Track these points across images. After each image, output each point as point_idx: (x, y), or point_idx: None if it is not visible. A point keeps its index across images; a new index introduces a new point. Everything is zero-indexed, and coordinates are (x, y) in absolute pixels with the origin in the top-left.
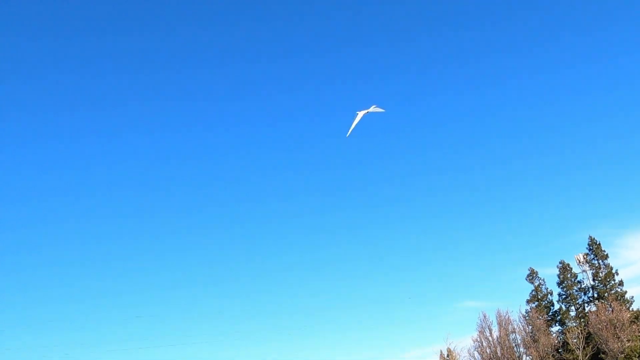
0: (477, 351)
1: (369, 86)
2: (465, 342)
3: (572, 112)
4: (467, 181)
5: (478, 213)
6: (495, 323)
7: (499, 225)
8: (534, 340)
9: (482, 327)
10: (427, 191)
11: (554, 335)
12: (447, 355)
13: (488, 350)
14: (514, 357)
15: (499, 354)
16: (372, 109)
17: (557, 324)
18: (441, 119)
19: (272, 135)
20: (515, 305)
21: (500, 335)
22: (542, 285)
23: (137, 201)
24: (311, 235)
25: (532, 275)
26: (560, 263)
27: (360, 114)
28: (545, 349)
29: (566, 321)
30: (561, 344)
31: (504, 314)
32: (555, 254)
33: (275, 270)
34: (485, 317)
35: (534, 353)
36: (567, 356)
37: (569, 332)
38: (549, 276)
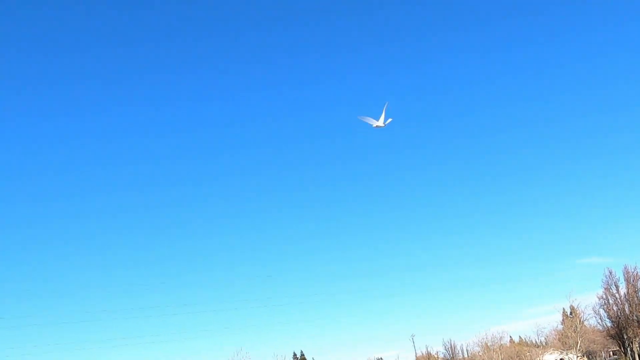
0: (603, 309)
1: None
2: (589, 300)
3: None
4: (591, 130)
5: (600, 166)
6: (622, 280)
7: (623, 178)
8: None
9: (607, 284)
10: (551, 141)
11: None
12: (570, 313)
13: (615, 308)
14: None
15: (627, 312)
16: (384, 118)
17: None
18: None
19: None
20: None
21: (628, 292)
22: None
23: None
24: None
25: None
26: None
27: (374, 122)
28: None
29: None
30: None
31: (632, 270)
32: None
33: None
34: (611, 273)
35: None
36: None
37: None
38: None
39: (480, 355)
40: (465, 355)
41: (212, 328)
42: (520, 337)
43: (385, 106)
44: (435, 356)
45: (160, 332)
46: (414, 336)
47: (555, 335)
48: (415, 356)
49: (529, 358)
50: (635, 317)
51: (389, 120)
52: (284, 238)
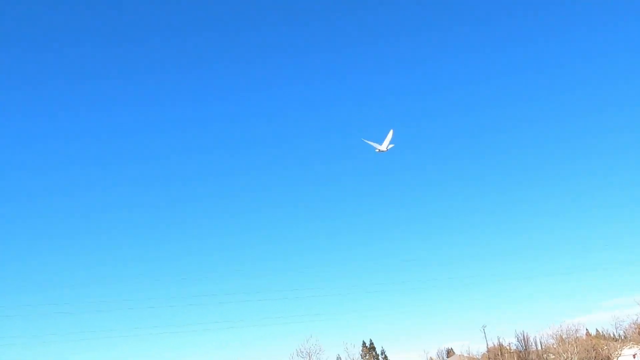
0: None
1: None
2: None
3: None
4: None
5: None
6: None
7: None
8: None
9: None
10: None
11: None
12: None
13: None
14: None
15: None
16: (387, 143)
17: None
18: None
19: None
20: None
21: None
22: None
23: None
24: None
25: None
26: None
27: (378, 145)
28: None
29: None
30: None
31: None
32: None
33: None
34: None
35: None
36: None
37: None
38: None
39: (555, 348)
40: (539, 348)
41: (283, 315)
42: (597, 330)
43: (390, 133)
44: (508, 348)
45: (232, 319)
46: (485, 327)
47: (635, 329)
48: (487, 347)
49: (606, 352)
50: None
51: (391, 145)
52: (353, 227)
